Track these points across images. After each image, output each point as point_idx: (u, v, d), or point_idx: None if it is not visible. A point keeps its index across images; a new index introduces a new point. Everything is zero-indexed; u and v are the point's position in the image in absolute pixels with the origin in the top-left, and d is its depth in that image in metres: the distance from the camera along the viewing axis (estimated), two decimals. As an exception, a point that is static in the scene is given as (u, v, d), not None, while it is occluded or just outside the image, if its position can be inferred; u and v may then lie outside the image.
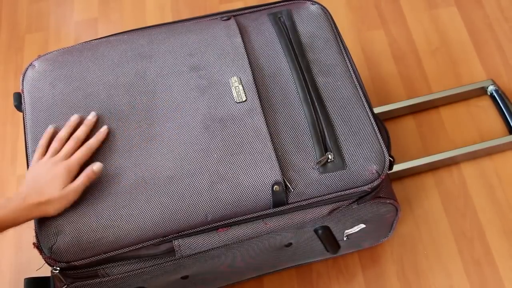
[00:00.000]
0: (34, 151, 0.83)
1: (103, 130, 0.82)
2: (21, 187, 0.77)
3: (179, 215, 0.77)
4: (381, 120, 0.87)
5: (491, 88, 1.21)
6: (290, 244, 0.89)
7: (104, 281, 0.80)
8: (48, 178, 0.76)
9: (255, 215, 0.80)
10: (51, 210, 0.75)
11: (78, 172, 0.77)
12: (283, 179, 0.79)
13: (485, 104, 1.23)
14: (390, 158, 0.82)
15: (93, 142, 0.80)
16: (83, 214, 0.77)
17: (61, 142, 0.80)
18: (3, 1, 1.48)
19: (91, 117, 0.83)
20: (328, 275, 1.07)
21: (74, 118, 0.83)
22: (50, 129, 0.82)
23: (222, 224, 0.79)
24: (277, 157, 0.80)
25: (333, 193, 0.81)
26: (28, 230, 0.81)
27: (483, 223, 1.10)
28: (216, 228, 0.79)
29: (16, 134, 1.28)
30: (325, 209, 0.82)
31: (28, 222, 0.75)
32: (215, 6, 1.42)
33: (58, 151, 0.80)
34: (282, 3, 0.97)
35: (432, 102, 1.22)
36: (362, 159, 0.81)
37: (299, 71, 0.88)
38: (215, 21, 0.94)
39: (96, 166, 0.78)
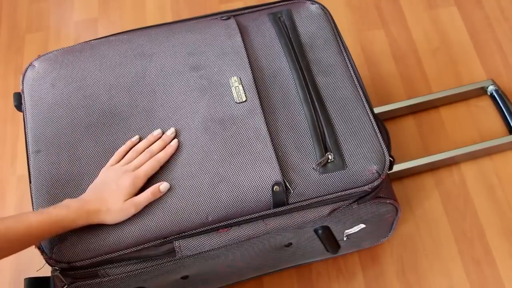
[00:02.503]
0: (35, 151, 0.83)
1: (173, 144, 0.81)
2: (89, 188, 0.77)
3: (179, 215, 0.77)
4: (381, 120, 0.87)
5: (491, 88, 1.21)
6: (290, 244, 0.89)
7: (104, 281, 0.80)
8: (114, 188, 0.76)
9: (256, 215, 0.80)
10: (109, 219, 0.75)
11: (143, 184, 0.77)
12: (283, 180, 0.79)
13: (485, 104, 1.23)
14: (390, 158, 0.82)
15: (162, 156, 0.79)
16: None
17: (138, 153, 0.80)
18: (3, 1, 1.48)
19: (169, 133, 0.82)
20: (328, 275, 1.07)
21: (155, 133, 0.82)
22: (134, 139, 0.82)
23: (223, 224, 0.79)
24: (277, 158, 0.80)
25: (333, 193, 0.81)
26: (28, 230, 0.81)
27: (483, 223, 1.10)
28: (216, 229, 0.79)
29: (16, 134, 1.28)
30: (325, 209, 0.82)
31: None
32: (215, 6, 1.42)
33: (132, 161, 0.80)
34: (282, 3, 0.97)
35: (432, 102, 1.22)
36: (362, 159, 0.81)
37: (299, 71, 0.88)
38: (215, 21, 0.94)
39: (163, 185, 0.77)
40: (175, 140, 0.81)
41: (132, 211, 0.76)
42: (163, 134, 0.82)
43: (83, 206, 0.74)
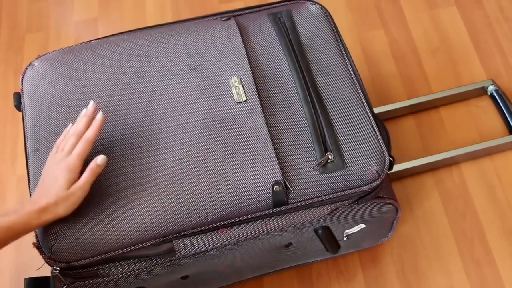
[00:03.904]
0: (33, 150, 0.83)
1: (98, 118, 0.78)
2: (35, 189, 0.76)
3: (179, 215, 0.77)
4: (381, 120, 0.87)
5: (491, 88, 1.21)
6: (290, 244, 0.89)
7: (104, 281, 0.80)
8: (52, 179, 0.74)
9: (256, 215, 0.80)
10: (60, 210, 0.73)
11: (81, 167, 0.75)
12: (283, 179, 0.79)
13: (485, 104, 1.23)
14: (390, 158, 0.82)
15: (90, 133, 0.77)
16: (83, 214, 0.77)
17: (67, 138, 0.78)
18: (3, 1, 1.48)
19: (89, 107, 0.80)
20: (328, 275, 1.07)
21: (83, 113, 0.80)
22: (68, 127, 0.80)
23: (223, 224, 0.79)
24: (277, 157, 0.80)
25: (333, 193, 0.81)
26: (28, 230, 0.81)
27: (483, 223, 1.10)
28: (216, 228, 0.79)
29: (16, 134, 1.28)
30: (325, 209, 0.82)
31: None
32: (215, 6, 1.42)
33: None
34: (282, 3, 0.97)
35: (432, 102, 1.22)
36: (362, 159, 0.81)
37: (299, 71, 0.88)
38: (215, 21, 0.94)
39: (99, 159, 0.75)
40: (100, 113, 0.78)
41: (79, 194, 0.74)
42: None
43: (31, 207, 0.72)
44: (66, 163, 0.75)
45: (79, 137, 0.77)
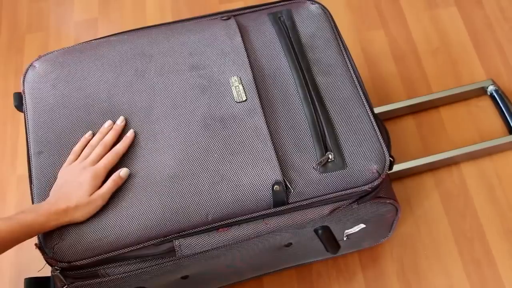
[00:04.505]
0: (37, 153, 0.83)
1: (129, 134, 0.82)
2: (51, 191, 0.78)
3: (179, 215, 0.77)
4: (381, 120, 0.87)
5: (491, 88, 1.21)
6: (290, 244, 0.89)
7: (104, 281, 0.80)
8: (76, 184, 0.76)
9: (256, 215, 0.80)
10: (79, 215, 0.76)
11: (105, 177, 0.78)
12: (284, 179, 0.79)
13: (485, 104, 1.23)
14: (390, 158, 0.82)
15: (120, 147, 0.80)
16: (84, 214, 0.77)
17: (93, 148, 0.81)
18: (3, 1, 1.48)
19: (119, 122, 0.83)
20: (328, 275, 1.07)
21: (106, 124, 0.83)
22: (87, 135, 0.83)
23: (223, 224, 0.79)
24: (277, 157, 0.80)
25: (334, 193, 0.81)
26: (28, 230, 0.81)
27: (483, 223, 1.10)
28: (216, 228, 0.79)
29: (16, 134, 1.28)
30: (326, 209, 0.82)
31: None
32: (215, 6, 1.42)
33: (88, 156, 0.80)
34: (282, 3, 0.97)
35: (432, 102, 1.22)
36: (363, 159, 0.81)
37: (299, 71, 0.88)
38: (215, 21, 0.94)
39: (123, 172, 0.78)
40: (131, 130, 0.82)
41: (99, 203, 0.76)
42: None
43: (50, 208, 0.74)
44: (93, 171, 0.77)
45: (107, 148, 0.80)
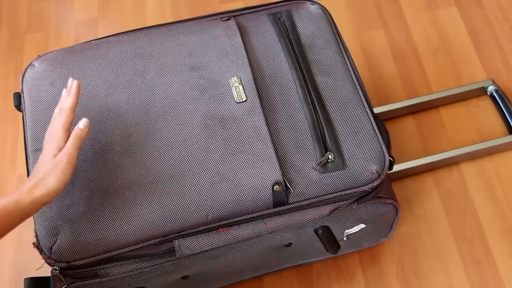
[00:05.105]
0: (34, 150, 0.83)
1: (72, 85, 0.78)
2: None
3: (179, 215, 0.77)
4: (381, 120, 0.87)
5: (491, 88, 1.21)
6: (290, 244, 0.89)
7: (104, 281, 0.80)
8: (40, 159, 0.73)
9: (256, 215, 0.80)
10: (50, 182, 0.70)
11: (66, 138, 0.74)
12: (284, 179, 0.79)
13: (485, 104, 1.23)
14: (390, 158, 0.82)
15: (68, 101, 0.76)
16: (83, 214, 0.77)
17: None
18: (3, 1, 1.48)
19: (69, 83, 0.79)
20: (328, 275, 1.07)
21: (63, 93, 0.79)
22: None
23: (223, 224, 0.79)
24: (277, 157, 0.80)
25: (333, 193, 0.81)
26: (28, 230, 0.81)
27: (483, 223, 1.10)
28: (216, 228, 0.79)
29: (16, 134, 1.28)
30: (325, 209, 0.82)
31: (28, 221, 0.75)
32: (215, 6, 1.42)
33: None
34: (282, 3, 0.97)
35: (432, 102, 1.22)
36: (362, 159, 0.81)
37: (299, 71, 0.88)
38: (215, 21, 0.94)
39: (81, 122, 0.74)
40: (75, 81, 0.78)
41: (65, 160, 0.71)
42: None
43: (21, 187, 0.70)
44: (48, 134, 0.74)
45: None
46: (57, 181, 0.70)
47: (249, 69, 0.87)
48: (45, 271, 0.80)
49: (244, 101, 0.84)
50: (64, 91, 0.80)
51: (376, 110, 1.18)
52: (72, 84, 0.79)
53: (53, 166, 0.71)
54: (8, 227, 0.68)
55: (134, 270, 0.80)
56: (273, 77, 0.88)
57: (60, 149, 0.72)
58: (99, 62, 0.89)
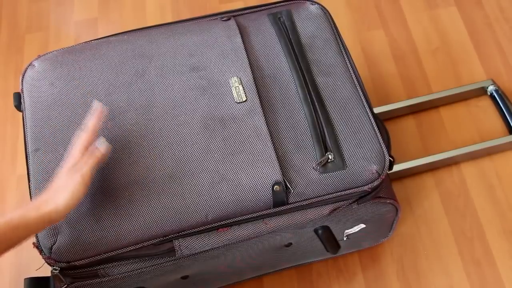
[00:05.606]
0: (34, 150, 0.83)
1: (95, 107, 0.79)
2: None
3: (179, 215, 0.77)
4: (381, 120, 0.87)
5: (491, 88, 1.21)
6: (290, 244, 0.89)
7: (104, 281, 0.80)
8: (56, 175, 0.74)
9: (256, 215, 0.80)
10: (60, 200, 0.70)
11: (83, 157, 0.74)
12: (284, 179, 0.79)
13: (485, 104, 1.23)
14: (390, 158, 0.82)
15: (90, 122, 0.77)
16: (83, 214, 0.77)
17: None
18: (3, 1, 1.48)
19: (94, 104, 0.80)
20: (328, 275, 1.07)
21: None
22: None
23: (222, 224, 0.79)
24: (277, 157, 0.80)
25: (333, 193, 0.81)
26: (28, 230, 0.81)
27: (483, 223, 1.10)
28: (216, 228, 0.79)
29: (16, 134, 1.28)
30: (325, 209, 0.82)
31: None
32: (215, 6, 1.42)
33: None
34: (282, 3, 0.97)
35: (432, 102, 1.22)
36: (362, 159, 0.81)
37: (299, 71, 0.88)
38: (215, 21, 0.94)
39: (101, 143, 0.74)
40: (98, 102, 0.79)
41: (78, 179, 0.71)
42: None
43: (31, 202, 0.70)
44: (68, 153, 0.75)
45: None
46: (67, 199, 0.70)
47: (249, 69, 0.87)
48: (45, 271, 0.80)
49: (244, 101, 0.84)
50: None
51: (376, 110, 1.18)
52: (97, 105, 0.80)
53: (65, 184, 0.71)
54: (14, 241, 0.68)
55: (134, 270, 0.80)
56: (273, 77, 0.88)
57: (76, 167, 0.73)
58: (99, 62, 0.89)
